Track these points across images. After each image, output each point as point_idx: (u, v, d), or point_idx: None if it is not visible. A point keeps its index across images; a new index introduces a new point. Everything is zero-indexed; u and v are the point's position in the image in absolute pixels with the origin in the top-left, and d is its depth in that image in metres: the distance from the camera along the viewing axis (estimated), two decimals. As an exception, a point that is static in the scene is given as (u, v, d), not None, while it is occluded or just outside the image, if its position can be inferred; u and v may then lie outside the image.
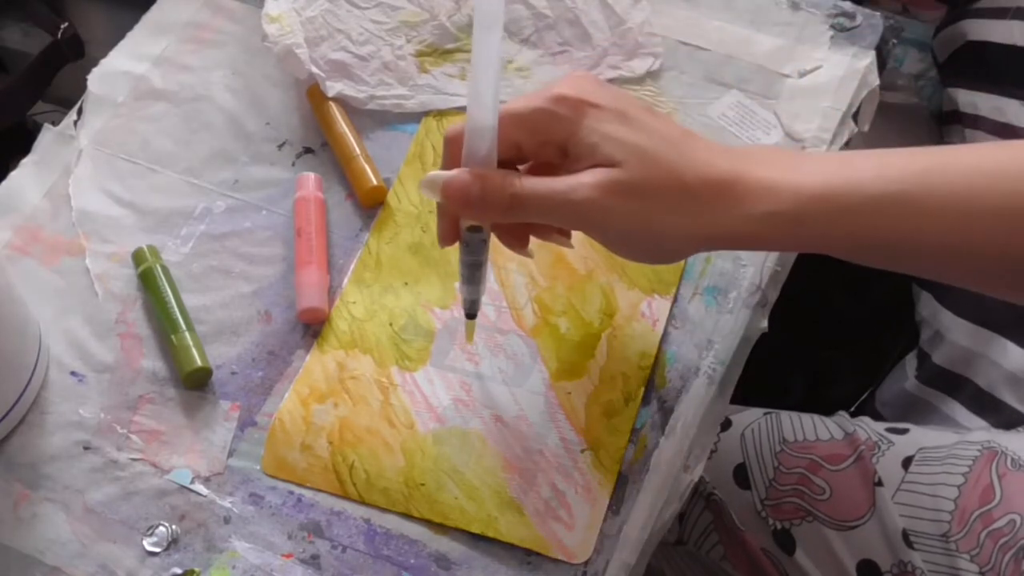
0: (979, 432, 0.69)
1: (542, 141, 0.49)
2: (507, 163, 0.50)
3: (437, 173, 0.49)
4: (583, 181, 0.47)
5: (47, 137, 0.67)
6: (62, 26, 0.90)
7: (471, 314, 0.56)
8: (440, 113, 0.67)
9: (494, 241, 0.53)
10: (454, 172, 0.49)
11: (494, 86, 0.47)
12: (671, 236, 0.48)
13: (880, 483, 0.65)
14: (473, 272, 0.54)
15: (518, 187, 0.48)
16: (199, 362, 0.57)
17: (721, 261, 0.60)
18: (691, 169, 0.47)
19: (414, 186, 0.64)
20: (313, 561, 0.53)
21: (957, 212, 0.45)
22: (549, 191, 0.48)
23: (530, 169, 0.52)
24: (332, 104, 0.66)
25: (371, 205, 0.64)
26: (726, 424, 0.71)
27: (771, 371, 0.74)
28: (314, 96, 0.67)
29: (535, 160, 0.51)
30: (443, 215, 0.53)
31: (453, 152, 0.50)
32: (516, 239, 0.54)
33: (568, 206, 0.48)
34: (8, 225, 0.64)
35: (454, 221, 0.52)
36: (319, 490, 0.55)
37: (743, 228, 0.47)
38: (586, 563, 0.51)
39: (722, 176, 0.47)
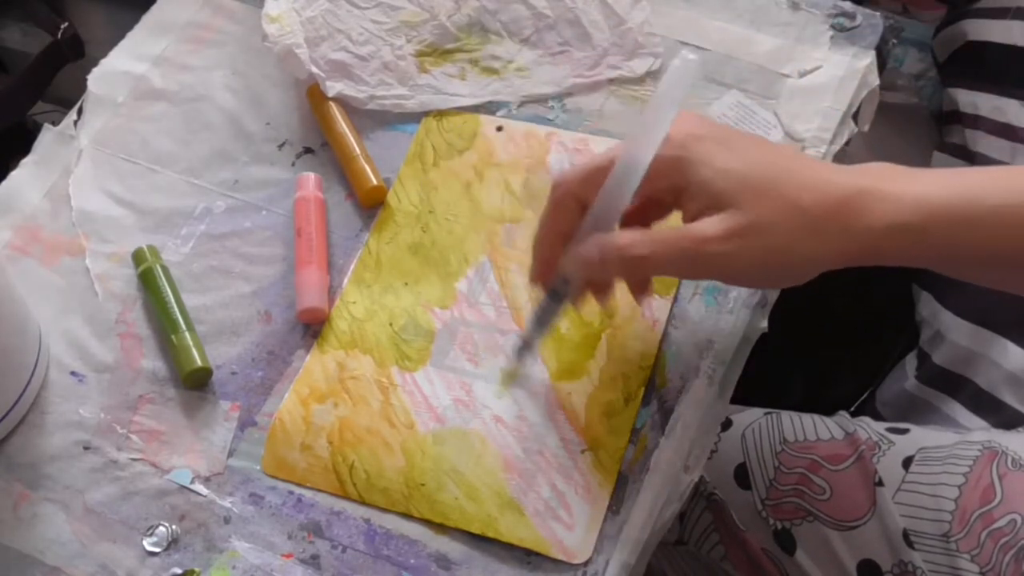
0: (979, 432, 0.69)
1: (657, 186, 0.50)
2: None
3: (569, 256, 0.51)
4: (705, 235, 0.48)
5: (47, 137, 0.67)
6: (62, 26, 0.90)
7: (522, 355, 0.56)
8: (440, 113, 0.67)
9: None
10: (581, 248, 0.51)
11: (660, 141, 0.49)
12: (798, 263, 0.49)
13: (881, 483, 0.65)
14: (547, 319, 0.55)
15: (639, 249, 0.49)
16: (199, 362, 0.57)
17: (721, 261, 0.60)
18: (807, 192, 0.48)
19: (414, 186, 0.64)
20: (313, 561, 0.53)
21: None
22: (674, 250, 0.49)
23: (642, 205, 0.53)
24: (332, 104, 0.66)
25: (371, 205, 0.64)
26: (726, 424, 0.71)
27: (771, 371, 0.73)
28: (314, 96, 0.67)
29: (647, 199, 0.52)
30: (540, 258, 0.54)
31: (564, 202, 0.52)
32: (602, 289, 0.55)
33: (693, 261, 0.49)
34: (8, 225, 0.64)
35: (552, 264, 0.53)
36: (319, 490, 0.55)
37: (867, 243, 0.48)
38: (586, 563, 0.51)
39: (840, 193, 0.48)
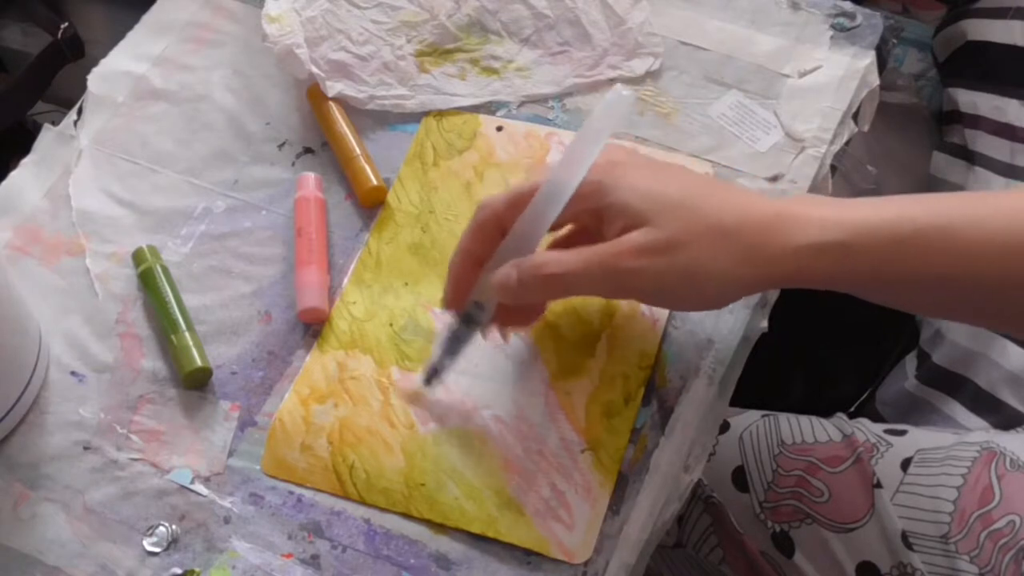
0: (978, 433, 0.69)
1: (577, 210, 0.50)
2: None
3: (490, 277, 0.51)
4: (618, 251, 0.48)
5: (47, 137, 0.67)
6: (62, 26, 0.90)
7: (429, 381, 0.56)
8: (440, 113, 0.67)
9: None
10: (501, 270, 0.50)
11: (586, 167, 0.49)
12: (715, 283, 0.48)
13: (879, 485, 0.65)
14: (457, 345, 0.54)
15: (554, 267, 0.49)
16: (199, 362, 0.57)
17: (721, 261, 0.60)
18: (728, 213, 0.48)
19: (414, 186, 0.64)
20: (313, 561, 0.53)
21: (1003, 247, 0.46)
22: (587, 267, 0.48)
23: (563, 238, 0.53)
24: (332, 104, 0.66)
25: (371, 205, 0.64)
26: (724, 427, 0.71)
27: (771, 371, 0.73)
28: (314, 96, 0.67)
29: (571, 225, 0.52)
30: (454, 280, 0.53)
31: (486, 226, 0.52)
32: (520, 318, 0.55)
33: (607, 278, 0.48)
34: (8, 225, 0.64)
35: (466, 289, 0.53)
36: (319, 490, 0.55)
37: (789, 263, 0.47)
38: (586, 563, 0.51)
39: (764, 214, 0.48)
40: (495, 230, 0.52)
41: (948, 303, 0.50)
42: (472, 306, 0.53)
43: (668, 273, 0.48)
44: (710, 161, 0.63)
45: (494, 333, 0.55)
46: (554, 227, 0.51)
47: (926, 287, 0.48)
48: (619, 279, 0.48)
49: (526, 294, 0.50)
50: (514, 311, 0.54)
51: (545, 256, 0.50)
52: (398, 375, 0.57)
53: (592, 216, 0.50)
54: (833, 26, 0.68)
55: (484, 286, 0.52)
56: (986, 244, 0.46)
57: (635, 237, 0.48)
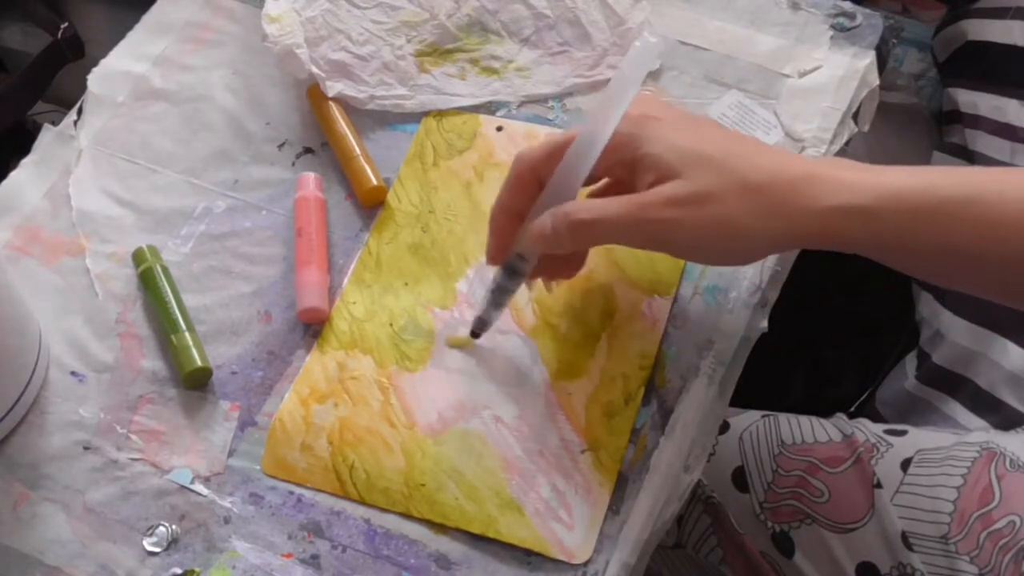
0: (977, 433, 0.69)
1: (611, 162, 0.51)
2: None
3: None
4: (648, 201, 0.48)
5: (47, 137, 0.67)
6: (62, 26, 0.90)
7: (477, 333, 0.57)
8: (440, 113, 0.67)
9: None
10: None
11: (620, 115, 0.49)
12: (742, 239, 0.49)
13: (879, 485, 0.65)
14: (502, 297, 0.55)
15: (585, 214, 0.50)
16: (199, 362, 0.57)
17: (721, 261, 0.60)
18: (758, 170, 0.48)
19: (414, 186, 0.64)
20: (313, 561, 0.53)
21: None
22: (617, 214, 0.49)
23: (600, 191, 0.54)
24: (332, 104, 0.66)
25: (371, 205, 0.64)
26: (724, 427, 0.71)
27: (771, 371, 0.74)
28: (314, 96, 0.67)
29: (607, 179, 0.53)
30: (495, 234, 0.54)
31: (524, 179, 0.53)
32: (563, 269, 0.56)
33: (637, 226, 0.49)
34: (8, 225, 0.64)
35: (508, 242, 0.53)
36: (319, 490, 0.55)
37: (815, 223, 0.48)
38: (586, 563, 0.51)
39: (795, 173, 0.48)
40: (532, 183, 0.53)
41: (972, 276, 0.50)
42: (515, 258, 0.54)
43: (696, 226, 0.48)
44: None
45: (538, 284, 0.57)
46: (590, 180, 0.52)
47: (950, 258, 0.48)
48: (648, 229, 0.49)
49: (560, 242, 0.51)
50: (557, 262, 0.55)
51: (577, 204, 0.51)
52: (398, 375, 0.57)
53: (626, 169, 0.51)
54: (833, 26, 0.68)
55: (524, 237, 0.53)
56: (1016, 220, 0.46)
57: (665, 189, 0.48)
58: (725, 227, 0.48)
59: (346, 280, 0.61)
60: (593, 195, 0.55)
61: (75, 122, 0.68)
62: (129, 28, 0.72)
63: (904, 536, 0.63)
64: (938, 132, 0.94)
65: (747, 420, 0.71)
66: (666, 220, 0.48)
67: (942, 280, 0.51)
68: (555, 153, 0.52)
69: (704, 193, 0.48)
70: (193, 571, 0.52)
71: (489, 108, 0.67)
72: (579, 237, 0.51)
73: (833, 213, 0.47)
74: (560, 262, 0.55)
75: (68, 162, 0.67)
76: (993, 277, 0.49)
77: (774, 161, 0.49)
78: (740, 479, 0.69)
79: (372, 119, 0.67)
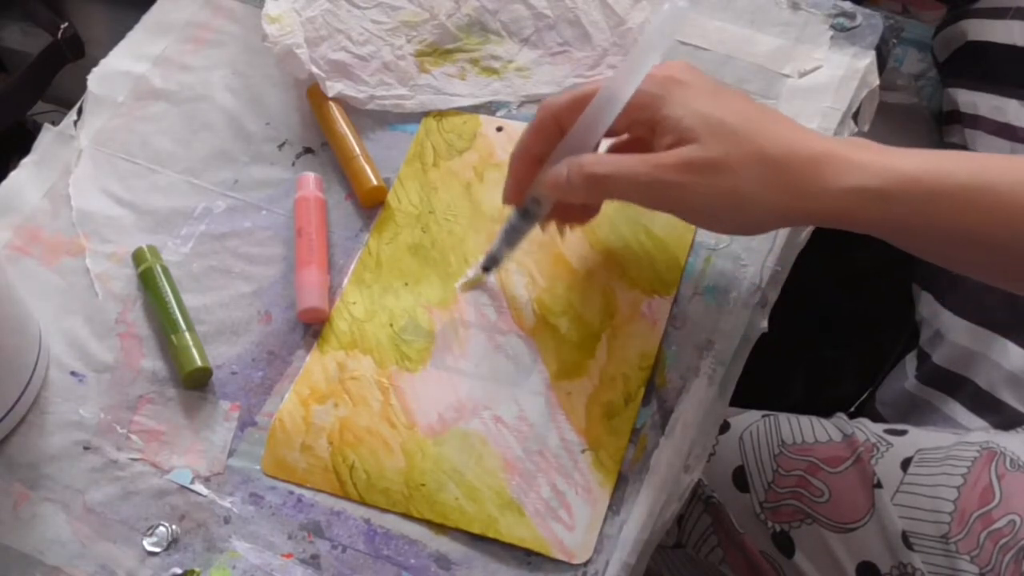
0: (978, 433, 0.69)
1: (633, 119, 0.51)
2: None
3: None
4: (663, 162, 0.49)
5: (47, 137, 0.67)
6: (62, 26, 0.90)
7: (488, 267, 0.58)
8: (440, 113, 0.67)
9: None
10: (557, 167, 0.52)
11: (642, 75, 0.50)
12: (753, 211, 0.49)
13: (879, 485, 0.65)
14: (515, 237, 0.57)
15: (601, 168, 0.50)
16: (199, 362, 0.57)
17: (721, 261, 0.60)
18: (776, 144, 0.48)
19: (414, 186, 0.64)
20: (313, 561, 0.53)
21: None
22: (632, 172, 0.50)
23: (621, 145, 0.55)
24: (332, 104, 0.66)
25: (371, 205, 0.64)
26: (724, 427, 0.71)
27: (771, 371, 0.74)
28: (314, 96, 0.67)
29: (628, 135, 0.54)
30: (514, 176, 0.55)
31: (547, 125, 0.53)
32: (577, 215, 0.57)
33: (649, 187, 0.50)
34: (8, 225, 0.64)
35: (525, 185, 0.54)
36: (319, 490, 0.55)
37: (828, 202, 0.48)
38: (586, 563, 0.51)
39: (812, 151, 0.48)
40: (554, 129, 0.53)
41: (983, 262, 0.50)
42: (530, 201, 0.55)
43: (708, 193, 0.49)
44: None
45: (551, 227, 0.58)
46: (612, 133, 0.52)
47: (962, 243, 0.48)
48: (659, 190, 0.49)
49: (574, 192, 0.52)
50: (571, 208, 0.56)
51: (594, 157, 0.51)
52: (398, 375, 0.57)
53: (647, 128, 0.51)
54: (833, 26, 0.68)
55: (540, 182, 0.54)
56: None
57: (682, 152, 0.49)
58: (736, 196, 0.48)
59: (346, 280, 0.61)
60: (614, 149, 0.56)
61: (75, 122, 0.68)
62: (129, 28, 0.72)
63: (904, 536, 0.63)
64: (938, 132, 0.94)
65: (747, 420, 0.71)
66: (679, 183, 0.49)
67: (952, 264, 0.52)
68: (578, 103, 0.52)
69: (719, 161, 0.48)
70: (193, 571, 0.52)
71: (489, 108, 0.67)
72: (593, 189, 0.52)
73: (846, 194, 0.47)
74: (575, 208, 0.56)
75: (68, 162, 0.67)
76: (1004, 264, 0.49)
77: (794, 136, 0.49)
78: (740, 479, 0.69)
79: (372, 119, 0.67)
